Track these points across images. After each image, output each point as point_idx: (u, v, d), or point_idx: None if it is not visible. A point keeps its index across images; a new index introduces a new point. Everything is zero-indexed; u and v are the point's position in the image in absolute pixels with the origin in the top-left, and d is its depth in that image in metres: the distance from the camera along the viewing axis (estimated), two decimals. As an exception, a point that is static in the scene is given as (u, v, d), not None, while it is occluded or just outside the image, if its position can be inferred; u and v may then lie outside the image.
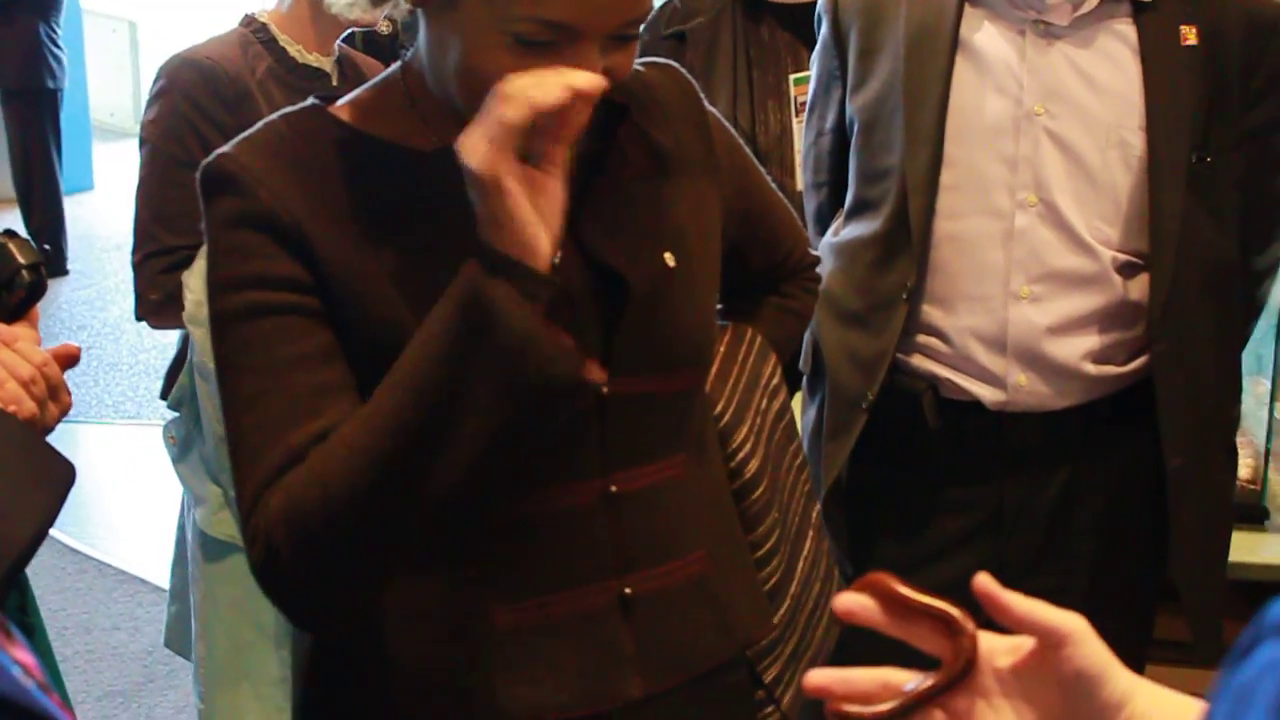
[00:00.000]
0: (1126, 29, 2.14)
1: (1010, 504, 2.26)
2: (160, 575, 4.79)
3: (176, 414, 2.75)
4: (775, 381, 1.82)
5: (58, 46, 8.46)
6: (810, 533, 1.82)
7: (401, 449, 1.30)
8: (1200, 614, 2.29)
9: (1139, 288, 2.17)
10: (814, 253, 1.90)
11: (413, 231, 1.44)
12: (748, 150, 1.77)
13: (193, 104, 2.60)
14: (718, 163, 1.65)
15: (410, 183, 1.46)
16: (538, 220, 1.30)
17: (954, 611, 1.06)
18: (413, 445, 1.30)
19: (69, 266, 8.44)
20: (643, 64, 1.65)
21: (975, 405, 2.22)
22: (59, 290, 7.98)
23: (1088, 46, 2.14)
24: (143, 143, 2.68)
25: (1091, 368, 2.19)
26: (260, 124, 1.48)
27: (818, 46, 2.35)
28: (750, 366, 1.77)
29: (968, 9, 2.17)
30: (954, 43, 2.16)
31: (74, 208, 10.09)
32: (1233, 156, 2.15)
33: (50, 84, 8.44)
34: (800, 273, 1.88)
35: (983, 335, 2.19)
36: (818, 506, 1.87)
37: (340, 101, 1.52)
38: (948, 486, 2.29)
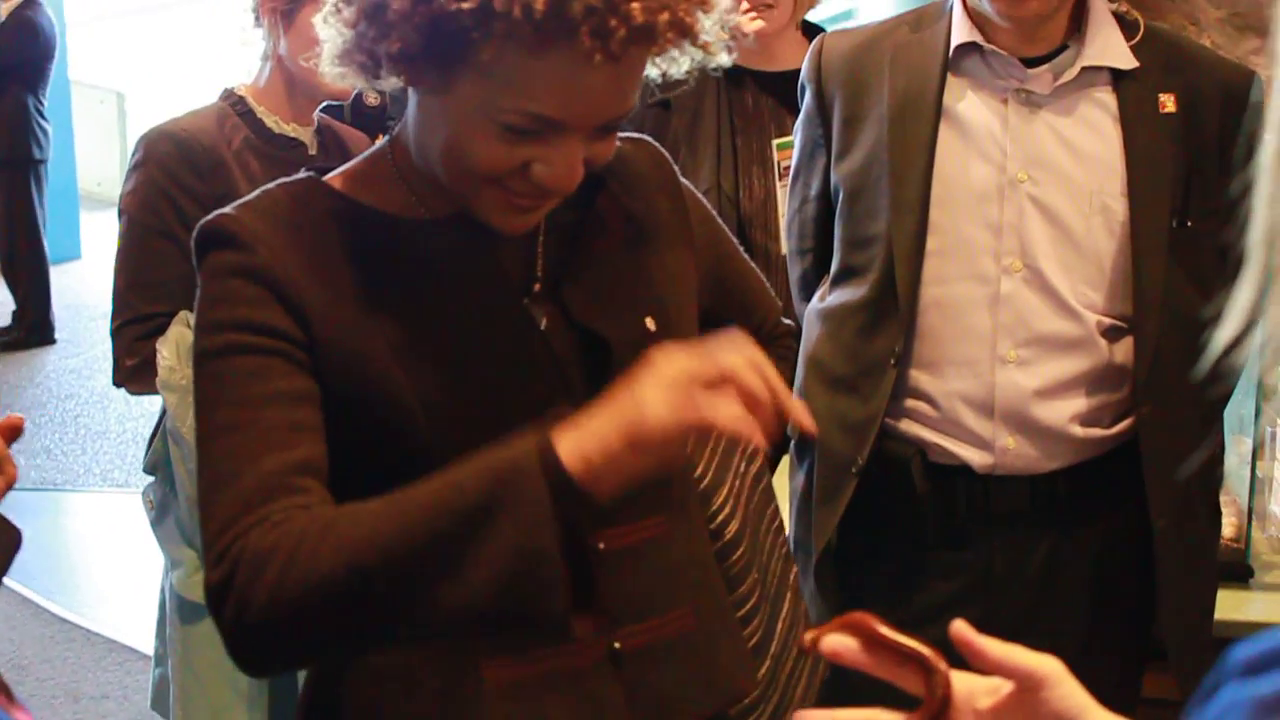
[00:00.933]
0: (1107, 97, 2.18)
1: (998, 567, 2.28)
2: (148, 643, 4.78)
3: (153, 478, 2.78)
4: (753, 447, 1.83)
5: (44, 119, 8.56)
6: (788, 594, 1.84)
7: (388, 572, 1.30)
8: (1189, 673, 2.29)
9: (1123, 351, 2.20)
10: (786, 321, 1.94)
11: (402, 295, 1.47)
12: (720, 222, 1.82)
13: (168, 175, 2.66)
14: (692, 232, 1.70)
15: (399, 250, 1.49)
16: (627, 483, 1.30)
17: (925, 650, 1.11)
18: (397, 575, 1.30)
19: (55, 335, 8.47)
20: (619, 139, 1.69)
21: (963, 469, 2.24)
22: (46, 359, 8.00)
23: (1069, 114, 2.18)
24: (121, 213, 2.73)
25: (1079, 430, 2.21)
26: (257, 191, 1.51)
27: (801, 115, 2.39)
28: None
29: (950, 78, 2.21)
30: (938, 111, 2.19)
31: (61, 277, 10.11)
32: (1213, 221, 2.17)
33: (36, 154, 8.53)
34: (775, 340, 1.90)
35: (971, 399, 2.21)
36: (795, 569, 1.89)
37: (333, 173, 1.56)
38: (936, 550, 2.30)
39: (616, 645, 1.54)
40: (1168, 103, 2.16)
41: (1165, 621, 2.27)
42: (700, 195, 1.77)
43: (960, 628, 1.09)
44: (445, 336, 1.46)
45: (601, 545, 1.51)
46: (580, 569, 1.29)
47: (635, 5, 1.33)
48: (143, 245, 2.69)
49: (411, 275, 1.48)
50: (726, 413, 1.22)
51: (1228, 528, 2.98)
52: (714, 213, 1.80)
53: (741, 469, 1.79)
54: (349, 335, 1.43)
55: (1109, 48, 2.17)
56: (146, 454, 2.83)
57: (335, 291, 1.45)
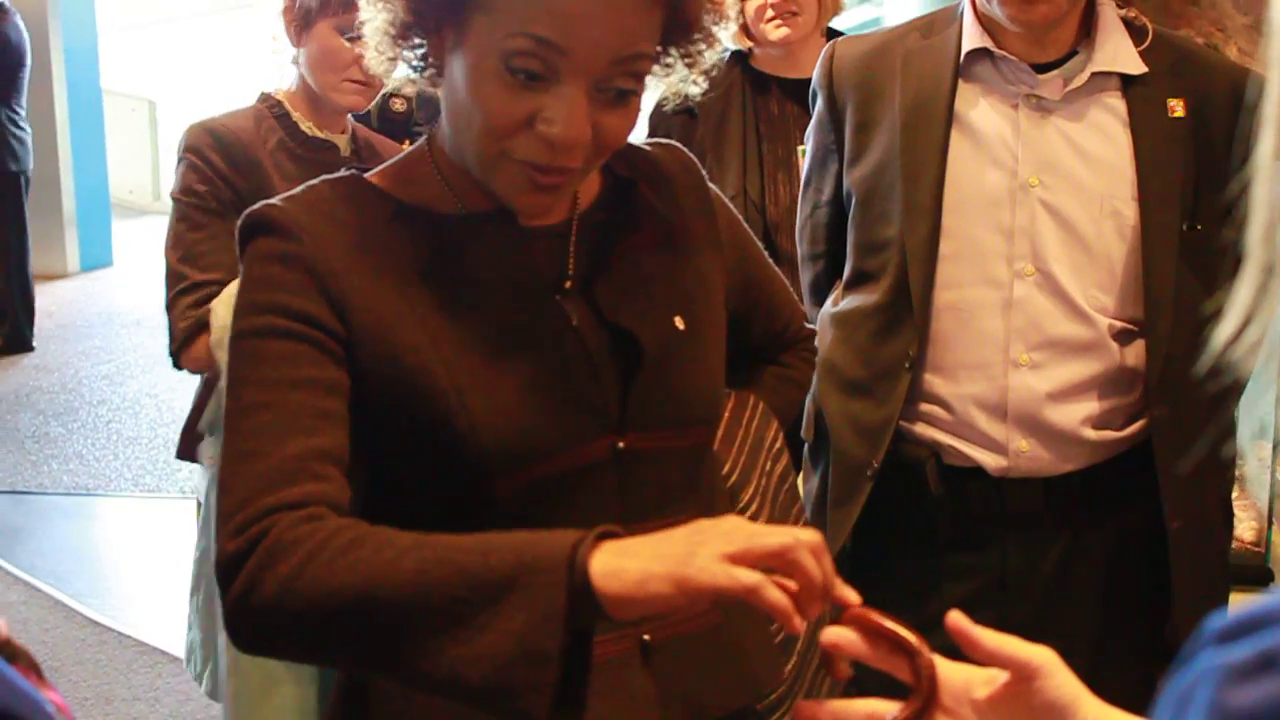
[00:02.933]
0: (1116, 102, 2.20)
1: (1012, 569, 2.29)
2: (180, 646, 4.82)
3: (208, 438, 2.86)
4: (778, 445, 1.87)
5: (19, 128, 8.43)
6: None
7: (393, 611, 1.30)
8: None
9: (1135, 354, 2.22)
10: (810, 326, 1.97)
11: (440, 288, 1.51)
12: (747, 227, 1.85)
13: (208, 163, 2.77)
14: (720, 236, 1.73)
15: (437, 244, 1.53)
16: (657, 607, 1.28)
17: (909, 636, 1.15)
18: (401, 617, 1.30)
19: (90, 342, 8.52)
20: (648, 144, 1.74)
21: (977, 471, 2.26)
22: (79, 365, 8.06)
23: (1079, 120, 2.20)
24: (174, 203, 2.82)
25: (1091, 433, 2.23)
26: (302, 186, 1.56)
27: (813, 121, 2.41)
28: (754, 430, 1.83)
29: (962, 84, 2.23)
30: (949, 117, 2.22)
31: (92, 284, 10.20)
32: (1223, 224, 2.18)
33: (13, 167, 8.40)
34: (798, 343, 1.94)
35: (984, 402, 2.23)
36: None
37: (373, 171, 1.61)
38: (950, 553, 2.32)
39: (646, 637, 1.56)
40: (1177, 107, 2.19)
41: (1179, 623, 2.27)
42: (727, 201, 1.80)
43: (955, 618, 1.13)
44: (480, 329, 1.49)
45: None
46: (577, 669, 1.28)
47: None
48: (190, 222, 2.80)
49: (448, 269, 1.52)
50: (772, 595, 1.22)
51: (1248, 531, 3.00)
52: (740, 218, 1.83)
53: (768, 467, 1.82)
54: (387, 326, 1.47)
55: (1119, 53, 2.19)
56: (180, 447, 2.89)
57: (374, 283, 1.48)
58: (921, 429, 2.27)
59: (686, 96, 1.63)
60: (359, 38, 2.62)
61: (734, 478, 1.76)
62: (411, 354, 1.47)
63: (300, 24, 2.78)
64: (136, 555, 5.79)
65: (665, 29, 1.49)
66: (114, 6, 13.32)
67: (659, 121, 3.31)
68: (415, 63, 1.54)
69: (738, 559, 1.22)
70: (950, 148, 2.21)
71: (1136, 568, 2.31)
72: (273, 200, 1.52)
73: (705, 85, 1.61)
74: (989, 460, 2.24)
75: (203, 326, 2.71)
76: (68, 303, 9.72)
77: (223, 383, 2.62)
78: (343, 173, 1.59)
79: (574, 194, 1.61)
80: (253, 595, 1.35)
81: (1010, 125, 2.21)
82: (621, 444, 1.54)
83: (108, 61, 11.62)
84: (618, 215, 1.63)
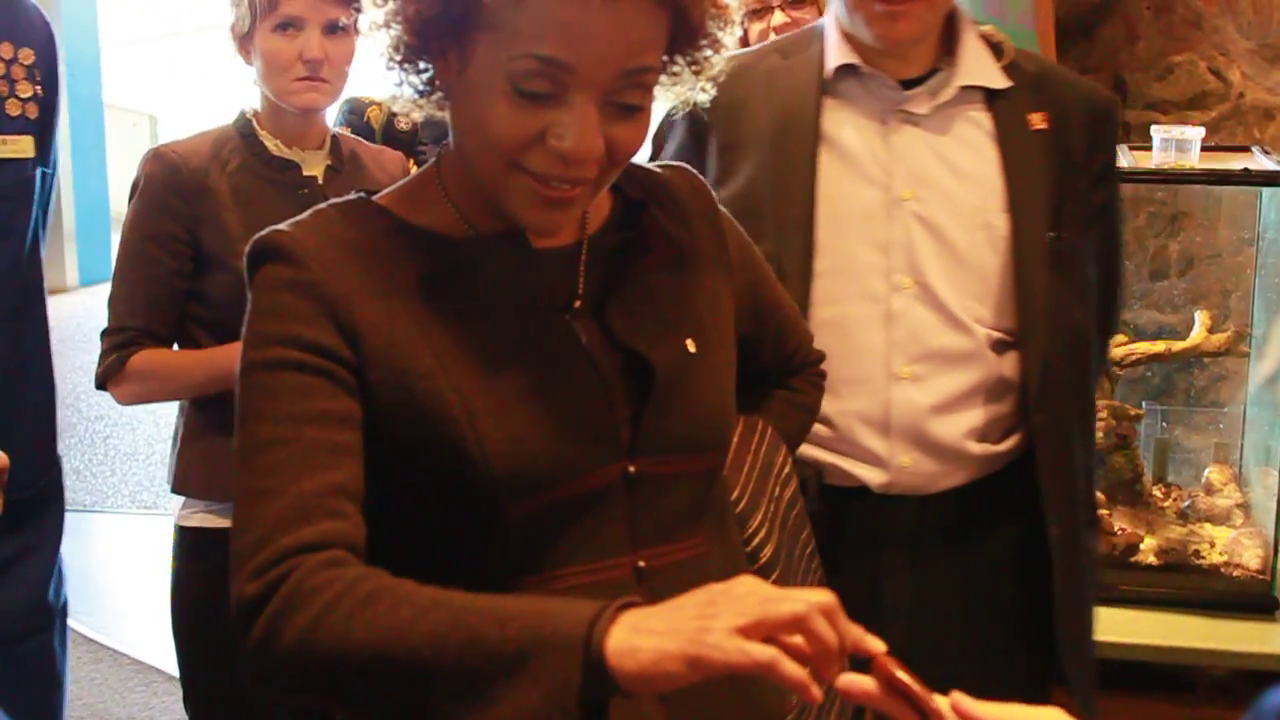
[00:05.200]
0: (982, 116, 2.23)
1: (889, 591, 2.28)
2: (176, 665, 4.80)
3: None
4: (787, 470, 1.86)
5: None
6: None
7: (406, 672, 1.30)
8: (1081, 685, 2.32)
9: (1010, 365, 2.22)
10: (819, 349, 1.95)
11: (449, 311, 1.49)
12: (757, 250, 1.83)
13: (153, 193, 2.76)
14: (730, 259, 1.72)
15: (446, 267, 1.52)
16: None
17: (917, 688, 1.15)
18: (414, 679, 1.30)
19: (89, 357, 8.50)
20: (659, 166, 1.73)
21: (857, 491, 2.25)
22: (76, 380, 8.04)
23: (947, 133, 2.22)
24: (121, 235, 2.82)
25: (974, 446, 2.23)
26: (309, 211, 1.54)
27: (675, 146, 2.37)
28: (763, 455, 1.82)
29: (828, 101, 2.23)
30: (816, 134, 2.22)
31: (91, 298, 10.20)
32: (1085, 234, 2.25)
33: None
34: (807, 367, 1.94)
35: (867, 418, 2.22)
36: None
37: (382, 194, 1.59)
38: (829, 574, 2.31)
39: None
40: (1038, 121, 2.22)
41: (1061, 633, 2.28)
42: (737, 223, 1.79)
43: (958, 698, 1.12)
44: (491, 352, 1.47)
45: (642, 563, 1.53)
46: None
47: None
48: (127, 259, 2.79)
49: (458, 292, 1.51)
50: (788, 670, 1.21)
51: (1253, 559, 2.98)
52: (751, 242, 1.82)
53: (776, 493, 1.81)
54: (398, 351, 1.45)
55: (982, 68, 2.22)
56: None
57: (384, 308, 1.47)
58: (804, 448, 2.24)
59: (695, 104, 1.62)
60: (296, 28, 2.62)
61: (743, 504, 1.74)
62: (423, 379, 1.45)
63: (243, 40, 2.73)
64: (133, 572, 5.77)
65: (671, 38, 1.48)
66: (116, 20, 13.33)
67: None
68: (421, 86, 1.53)
69: (751, 632, 1.21)
70: (820, 164, 2.21)
71: (1014, 585, 2.31)
72: (280, 226, 1.51)
73: (714, 92, 1.59)
74: (872, 476, 2.23)
75: (113, 374, 2.77)
76: (66, 317, 9.70)
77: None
78: (351, 196, 1.58)
79: (583, 215, 1.59)
80: (272, 643, 1.34)
81: (881, 141, 2.21)
82: (633, 468, 1.52)
83: (109, 75, 11.63)
84: (628, 237, 1.62)
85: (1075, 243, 2.23)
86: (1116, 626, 2.90)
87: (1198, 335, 3.26)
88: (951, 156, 2.21)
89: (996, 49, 2.25)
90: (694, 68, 1.55)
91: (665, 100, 1.58)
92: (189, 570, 2.92)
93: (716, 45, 1.54)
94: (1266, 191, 3.18)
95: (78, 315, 9.82)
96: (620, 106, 1.44)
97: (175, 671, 4.68)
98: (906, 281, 2.19)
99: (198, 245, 2.68)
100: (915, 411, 2.20)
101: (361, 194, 1.58)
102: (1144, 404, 3.39)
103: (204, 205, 2.68)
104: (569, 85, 1.40)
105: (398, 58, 1.50)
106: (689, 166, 1.77)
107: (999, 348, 2.22)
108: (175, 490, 2.83)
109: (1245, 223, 3.68)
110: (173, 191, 2.71)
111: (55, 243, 10.31)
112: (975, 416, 2.22)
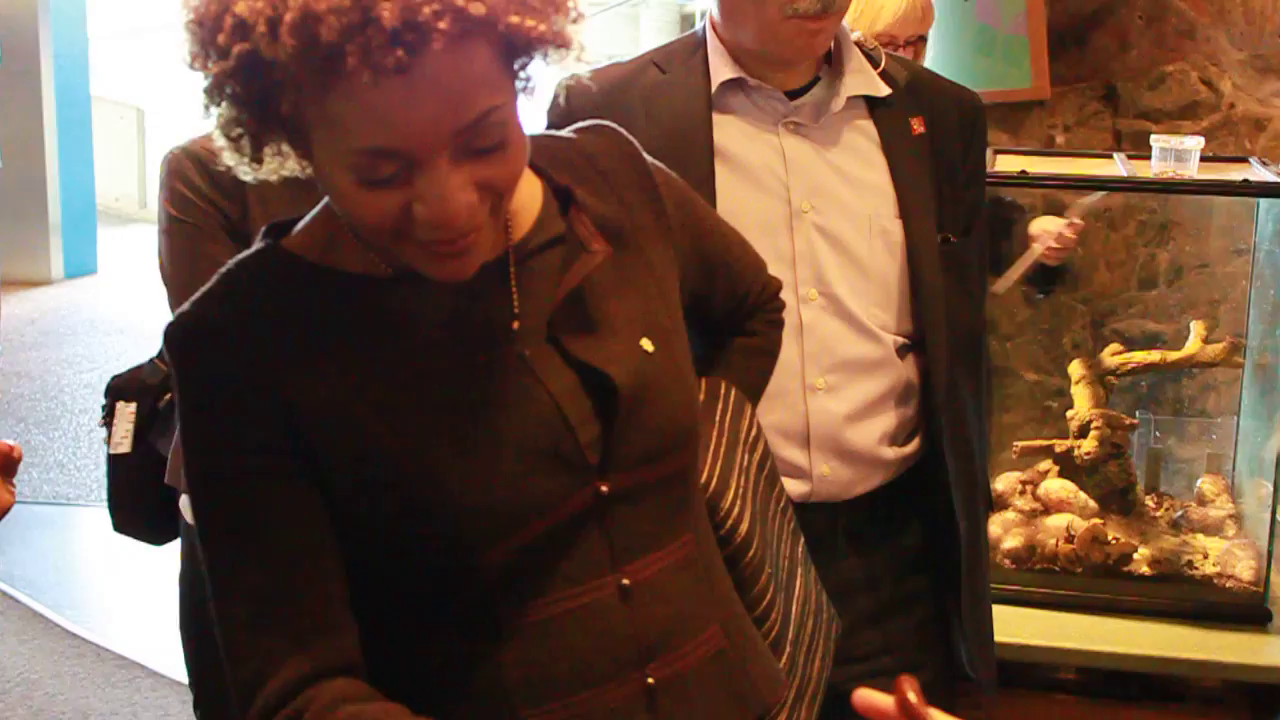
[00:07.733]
0: (867, 124, 2.24)
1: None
2: (159, 661, 4.78)
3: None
4: (754, 433, 1.82)
5: None
6: (799, 571, 1.83)
7: None
8: (985, 676, 2.39)
9: (911, 368, 2.26)
10: (775, 277, 1.93)
11: (385, 362, 1.43)
12: (695, 195, 1.77)
13: (195, 190, 2.67)
14: (669, 221, 1.65)
15: (370, 310, 1.45)
16: None
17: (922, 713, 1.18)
18: None
19: (74, 349, 8.49)
20: (577, 130, 1.63)
21: None
22: (61, 373, 8.01)
23: (837, 143, 2.23)
24: (162, 232, 2.72)
25: (888, 451, 2.25)
26: (216, 276, 1.46)
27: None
28: (729, 425, 1.78)
29: (717, 116, 2.22)
30: (710, 150, 2.20)
31: (77, 291, 10.16)
32: (968, 234, 2.28)
33: None
34: (764, 305, 1.90)
35: (787, 431, 2.22)
36: (803, 542, 1.89)
37: (294, 232, 1.50)
38: None
39: (650, 680, 1.51)
40: (917, 125, 2.24)
41: (967, 625, 2.33)
42: (671, 173, 1.71)
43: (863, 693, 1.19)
44: (437, 397, 1.41)
45: (625, 580, 1.50)
46: None
47: (385, 7, 1.21)
48: (190, 253, 2.68)
49: (391, 338, 1.44)
50: None
51: (1246, 571, 2.97)
52: (687, 187, 1.75)
53: (745, 462, 1.77)
54: (342, 422, 1.40)
55: (866, 78, 2.23)
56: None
57: (317, 377, 1.41)
58: None
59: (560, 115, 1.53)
60: None
61: (713, 484, 1.69)
62: (373, 444, 1.40)
63: None
64: (117, 567, 5.73)
65: (505, 60, 1.34)
66: (104, 13, 13.27)
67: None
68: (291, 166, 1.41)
69: None
70: (718, 180, 2.19)
71: (920, 577, 2.35)
72: (186, 308, 1.43)
73: (592, 59, 1.45)
74: (793, 487, 2.21)
75: None
76: (51, 310, 9.67)
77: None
78: (257, 245, 1.49)
79: (504, 224, 1.49)
80: None
81: (775, 153, 2.21)
82: (605, 488, 1.48)
83: (97, 68, 11.59)
84: (558, 236, 1.54)
85: (963, 244, 2.27)
86: (1107, 636, 2.91)
87: (1193, 345, 3.25)
88: (843, 166, 2.22)
89: (872, 56, 2.26)
90: (553, 58, 1.39)
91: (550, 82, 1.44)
92: (200, 571, 2.89)
93: (562, 39, 1.37)
94: (1264, 203, 3.17)
95: (62, 308, 9.78)
96: (478, 151, 1.33)
97: (158, 667, 4.68)
98: (813, 294, 2.20)
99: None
100: (832, 421, 2.21)
101: (269, 241, 1.49)
102: (1138, 413, 3.39)
103: (239, 202, 2.60)
104: (412, 160, 1.30)
105: (247, 135, 1.37)
106: (610, 124, 1.67)
107: (903, 352, 2.25)
108: (169, 482, 2.81)
109: (1238, 233, 3.68)
110: (214, 188, 2.64)
111: (41, 235, 10.27)
112: (887, 421, 2.25)
